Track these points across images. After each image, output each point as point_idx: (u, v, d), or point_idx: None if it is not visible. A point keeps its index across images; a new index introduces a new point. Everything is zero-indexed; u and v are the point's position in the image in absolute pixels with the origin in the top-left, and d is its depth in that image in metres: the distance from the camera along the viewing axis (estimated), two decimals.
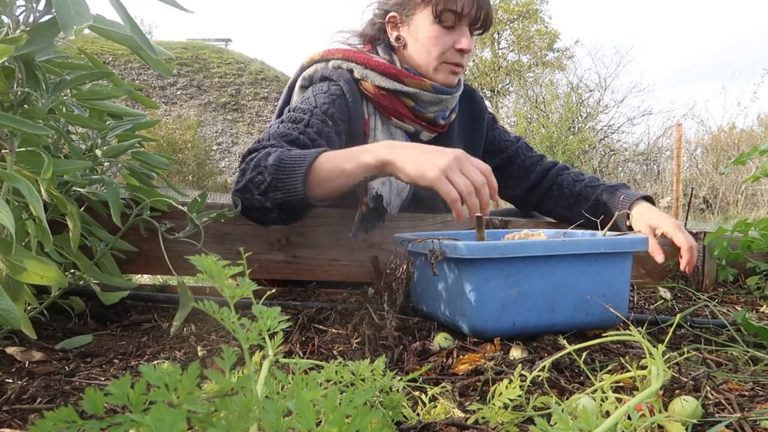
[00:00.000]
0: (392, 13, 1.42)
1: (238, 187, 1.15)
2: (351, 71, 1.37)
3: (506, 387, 0.64)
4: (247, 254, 0.73)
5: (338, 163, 1.06)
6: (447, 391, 0.73)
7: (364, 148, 1.08)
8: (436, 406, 0.66)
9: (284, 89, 1.49)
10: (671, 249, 1.68)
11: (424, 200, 1.44)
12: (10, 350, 0.90)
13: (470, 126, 1.57)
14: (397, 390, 0.66)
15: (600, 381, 0.65)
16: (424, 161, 0.99)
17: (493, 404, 0.63)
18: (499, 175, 1.61)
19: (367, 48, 1.45)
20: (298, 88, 1.42)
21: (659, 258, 1.26)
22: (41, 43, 0.75)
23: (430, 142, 1.44)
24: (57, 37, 0.78)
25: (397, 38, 1.42)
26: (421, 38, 1.37)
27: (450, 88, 1.41)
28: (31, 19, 0.76)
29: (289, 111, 1.29)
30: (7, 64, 0.76)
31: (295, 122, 1.24)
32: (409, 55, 1.40)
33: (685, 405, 0.64)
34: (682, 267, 1.27)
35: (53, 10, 0.76)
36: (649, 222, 1.32)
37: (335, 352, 0.92)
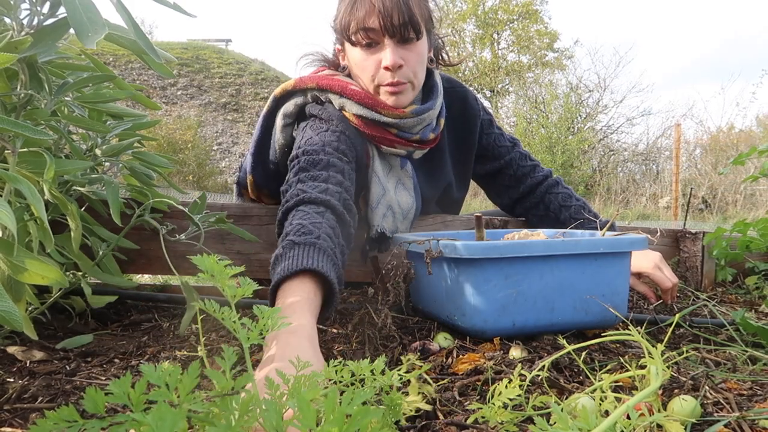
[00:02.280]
0: (337, 45, 1.38)
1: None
2: (331, 102, 1.30)
3: (506, 386, 0.64)
4: (247, 254, 0.74)
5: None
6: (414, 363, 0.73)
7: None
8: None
9: (258, 121, 1.42)
10: (669, 249, 1.69)
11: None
12: (11, 350, 0.90)
13: (461, 129, 1.50)
14: (397, 389, 0.66)
15: (599, 380, 0.66)
16: None
17: (493, 404, 0.63)
18: (490, 182, 1.58)
19: (337, 73, 1.37)
20: (281, 127, 1.34)
21: (653, 300, 1.27)
22: (45, 45, 0.76)
23: (419, 159, 1.39)
24: (60, 40, 0.79)
25: (343, 68, 1.37)
26: (352, 66, 1.31)
27: (424, 104, 1.32)
28: (35, 22, 0.77)
29: (297, 157, 1.19)
30: (10, 65, 0.76)
31: (312, 165, 1.15)
32: (357, 80, 1.32)
33: (684, 404, 0.64)
34: (665, 301, 1.28)
35: (58, 13, 0.77)
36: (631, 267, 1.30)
37: (335, 352, 0.93)
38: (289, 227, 0.98)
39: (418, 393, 0.67)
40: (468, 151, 1.52)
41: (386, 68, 1.23)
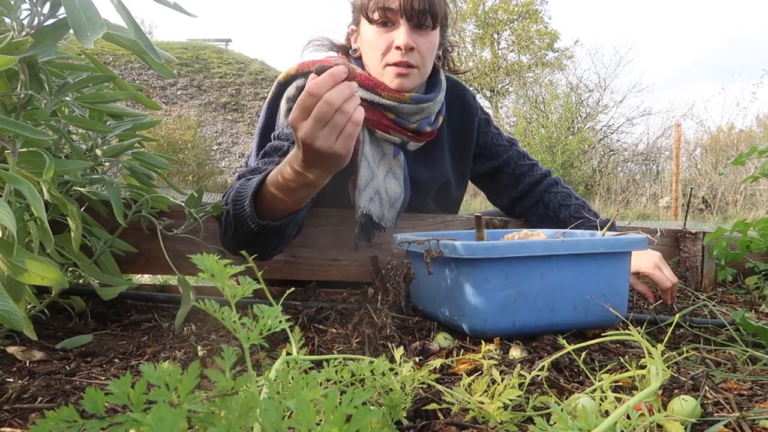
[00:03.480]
0: (351, 26, 1.40)
1: (221, 233, 1.13)
2: None
3: (506, 387, 0.64)
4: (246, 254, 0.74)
5: (277, 182, 1.00)
6: None
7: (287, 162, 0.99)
8: None
9: (263, 108, 1.43)
10: (669, 249, 1.69)
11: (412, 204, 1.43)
12: (10, 349, 0.90)
13: (459, 127, 1.51)
14: (399, 389, 0.66)
15: (599, 380, 0.66)
16: (324, 158, 0.91)
17: (493, 404, 0.63)
18: (489, 182, 1.59)
19: (343, 58, 1.40)
20: (285, 111, 1.35)
21: (651, 300, 1.28)
22: (45, 46, 0.76)
23: (418, 151, 1.41)
24: (60, 40, 0.79)
25: (354, 50, 1.39)
26: (364, 44, 1.33)
27: (426, 95, 1.34)
28: (35, 22, 0.77)
29: (273, 138, 1.25)
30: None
31: (275, 151, 1.21)
32: (365, 65, 1.35)
33: (684, 404, 0.64)
34: (665, 301, 1.28)
35: (58, 14, 0.77)
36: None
37: (335, 352, 0.93)
38: (234, 187, 1.08)
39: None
40: (466, 148, 1.53)
41: (398, 48, 1.26)
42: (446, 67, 1.50)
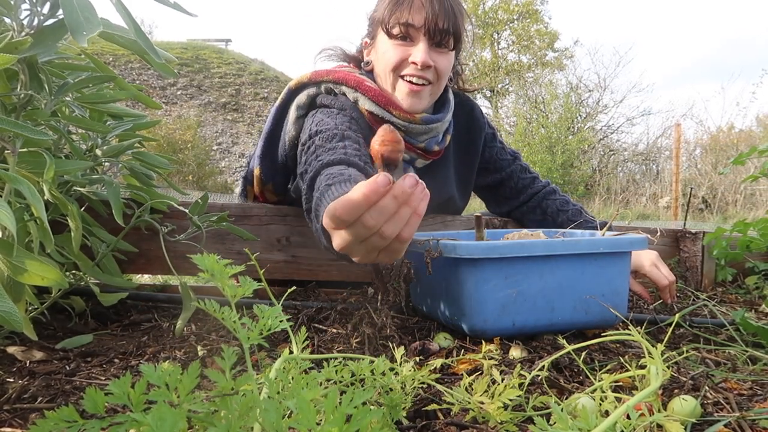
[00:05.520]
0: (365, 39, 1.39)
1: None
2: (344, 95, 1.32)
3: (506, 387, 0.64)
4: (244, 253, 0.74)
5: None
6: None
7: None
8: None
9: (271, 113, 1.42)
10: (669, 249, 1.69)
11: None
12: (11, 350, 0.90)
13: (466, 142, 1.52)
14: (399, 389, 0.66)
15: (599, 380, 0.66)
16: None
17: (493, 404, 0.63)
18: (490, 193, 1.61)
19: (354, 69, 1.39)
20: (294, 119, 1.33)
21: (648, 299, 1.29)
22: (45, 46, 0.76)
23: (424, 168, 1.41)
24: (60, 40, 0.79)
25: (366, 63, 1.38)
26: (379, 56, 1.31)
27: (434, 115, 1.34)
28: (35, 23, 0.77)
29: (311, 137, 1.17)
30: (10, 65, 0.76)
31: (329, 140, 1.14)
32: (377, 78, 1.34)
33: (684, 404, 0.64)
34: (664, 300, 1.29)
35: (58, 14, 0.77)
36: None
37: (335, 352, 0.93)
38: (318, 189, 0.95)
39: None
40: (471, 163, 1.54)
41: (414, 63, 1.25)
42: (456, 86, 1.51)
